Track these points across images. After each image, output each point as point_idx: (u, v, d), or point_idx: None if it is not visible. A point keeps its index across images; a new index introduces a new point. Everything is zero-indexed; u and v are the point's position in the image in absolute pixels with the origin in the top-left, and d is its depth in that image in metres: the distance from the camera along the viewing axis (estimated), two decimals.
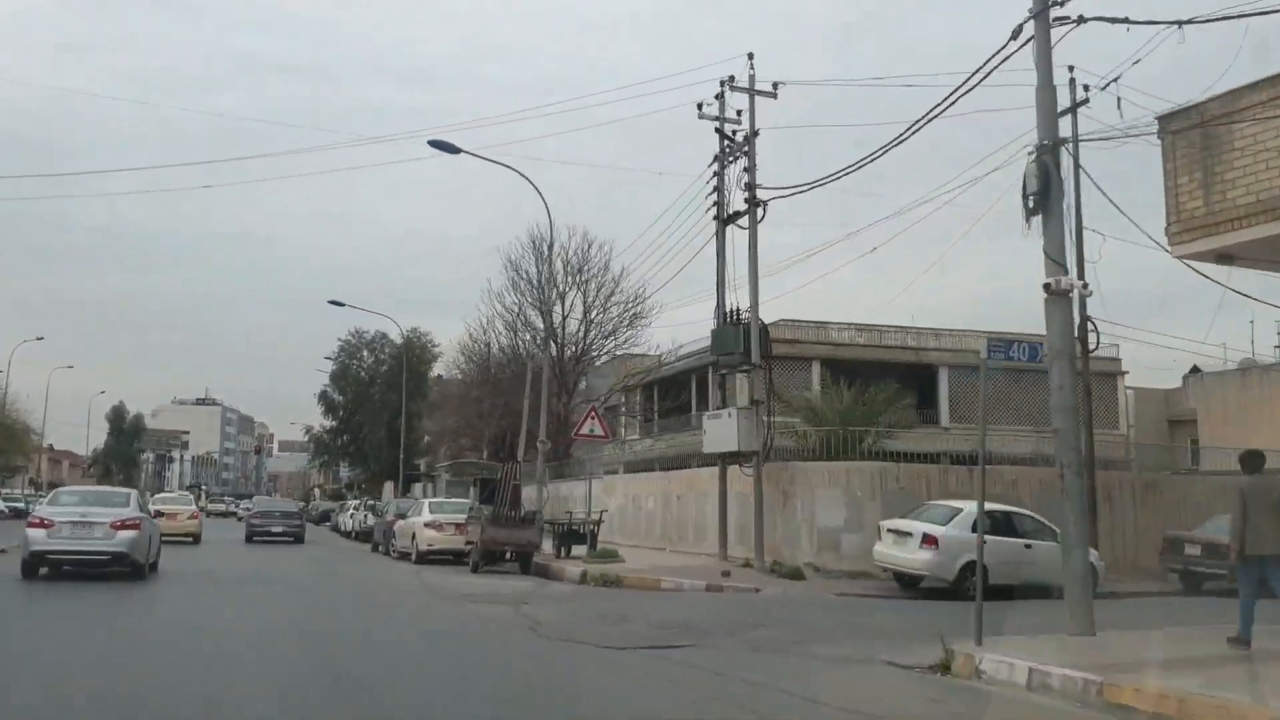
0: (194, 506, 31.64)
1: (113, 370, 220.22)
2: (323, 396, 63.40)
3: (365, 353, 62.58)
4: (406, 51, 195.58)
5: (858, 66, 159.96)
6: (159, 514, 24.87)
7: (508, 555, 20.79)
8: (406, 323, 72.08)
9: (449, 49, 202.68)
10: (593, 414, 22.26)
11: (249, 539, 34.55)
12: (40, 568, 17.63)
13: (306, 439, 64.75)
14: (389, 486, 68.00)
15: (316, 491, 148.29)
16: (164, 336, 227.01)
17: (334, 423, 64.37)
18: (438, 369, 59.01)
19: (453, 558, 23.47)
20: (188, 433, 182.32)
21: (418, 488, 58.87)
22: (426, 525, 23.95)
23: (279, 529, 34.69)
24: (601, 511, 23.70)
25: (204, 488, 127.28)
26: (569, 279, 37.68)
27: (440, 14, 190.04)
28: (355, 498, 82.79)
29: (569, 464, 38.23)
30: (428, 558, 23.96)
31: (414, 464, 60.13)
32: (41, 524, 17.49)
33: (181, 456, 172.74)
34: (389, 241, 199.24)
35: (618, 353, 38.25)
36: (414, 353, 58.14)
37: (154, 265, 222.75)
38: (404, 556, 26.30)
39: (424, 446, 59.78)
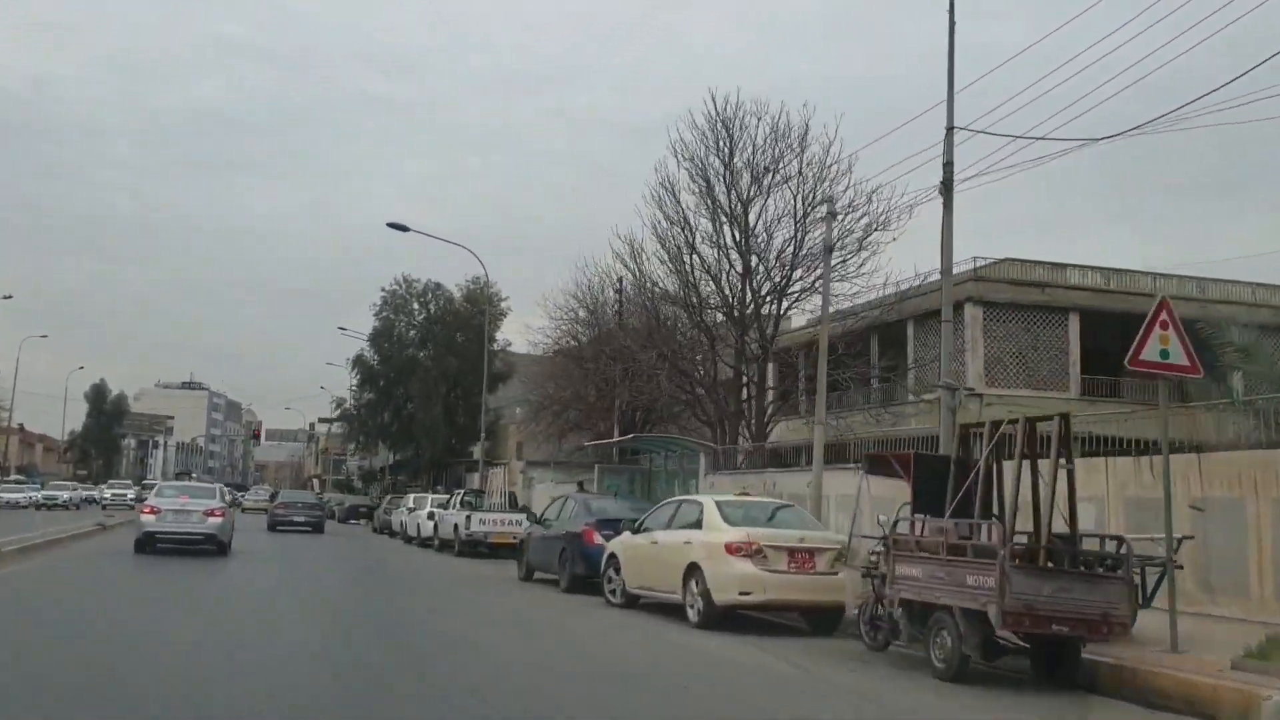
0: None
1: (93, 355, 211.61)
2: (358, 363, 50.66)
3: (415, 305, 49.91)
4: (387, 40, 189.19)
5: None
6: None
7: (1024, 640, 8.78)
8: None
9: (431, 39, 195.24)
10: (1166, 320, 9.29)
11: (271, 527, 36.58)
12: (149, 545, 21.60)
13: (335, 414, 51.25)
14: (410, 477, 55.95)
15: (316, 483, 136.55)
16: (146, 324, 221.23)
17: (371, 395, 51.40)
18: (508, 331, 47.19)
19: (760, 611, 11.82)
20: (172, 418, 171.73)
21: (475, 479, 46.60)
22: (732, 550, 11.85)
23: (301, 519, 37.29)
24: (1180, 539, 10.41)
25: (194, 476, 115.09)
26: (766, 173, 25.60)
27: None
28: (379, 488, 70.50)
29: (778, 450, 26.40)
30: (732, 615, 12.08)
31: (464, 450, 47.92)
32: (152, 511, 21.93)
33: (165, 443, 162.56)
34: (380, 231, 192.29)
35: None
36: (478, 306, 46.07)
37: (135, 253, 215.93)
38: (629, 601, 13.95)
39: (494, 427, 47.68)
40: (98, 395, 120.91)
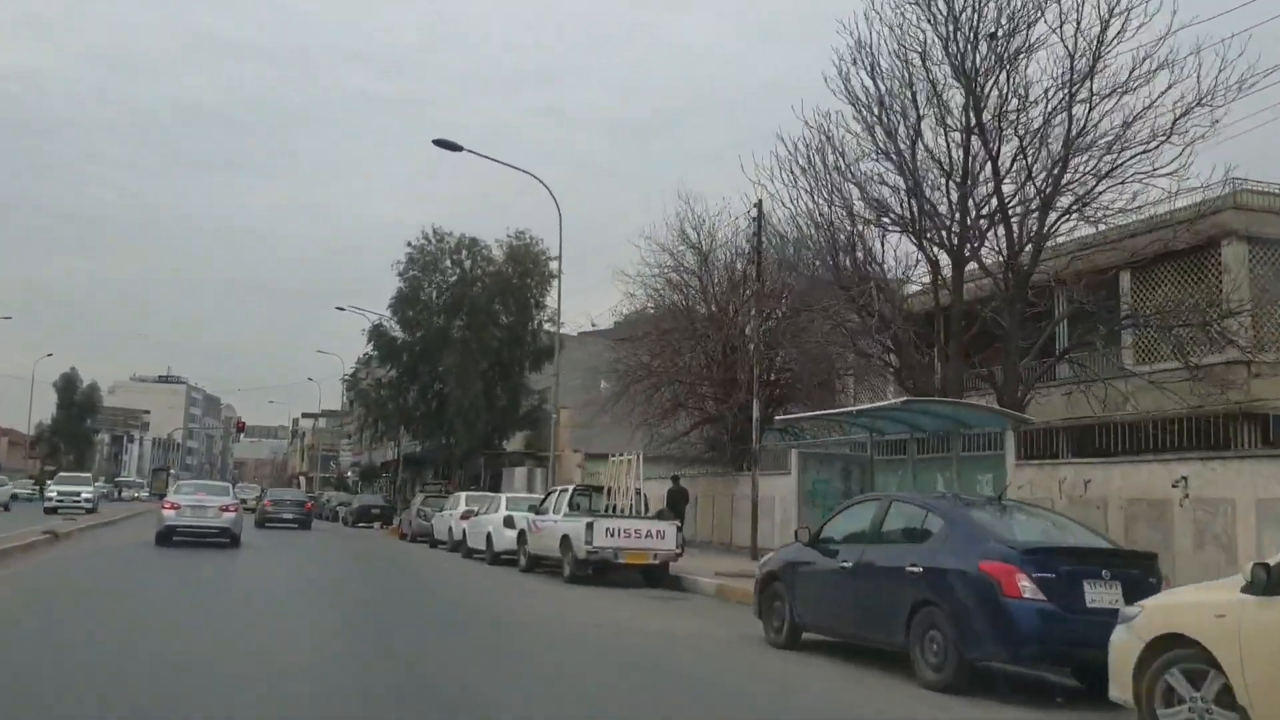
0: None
1: (67, 349, 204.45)
2: (376, 336, 40.93)
3: (448, 263, 39.95)
4: (375, 38, 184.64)
5: None
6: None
7: None
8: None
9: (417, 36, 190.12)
10: None
11: (260, 524, 36.60)
12: (170, 538, 23.33)
13: (347, 396, 41.52)
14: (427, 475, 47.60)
15: (303, 480, 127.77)
16: (124, 319, 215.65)
17: (394, 371, 41.45)
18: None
19: None
20: (148, 412, 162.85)
21: (520, 475, 38.47)
22: None
23: (289, 515, 37.83)
24: None
25: (171, 473, 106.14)
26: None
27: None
28: (383, 486, 61.87)
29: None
30: None
31: (497, 444, 39.63)
32: (173, 506, 23.86)
33: (141, 438, 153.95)
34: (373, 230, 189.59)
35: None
36: (524, 265, 37.81)
37: (116, 247, 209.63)
38: None
39: (535, 414, 39.38)
40: (68, 385, 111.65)
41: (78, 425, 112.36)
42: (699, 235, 24.61)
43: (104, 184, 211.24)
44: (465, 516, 25.90)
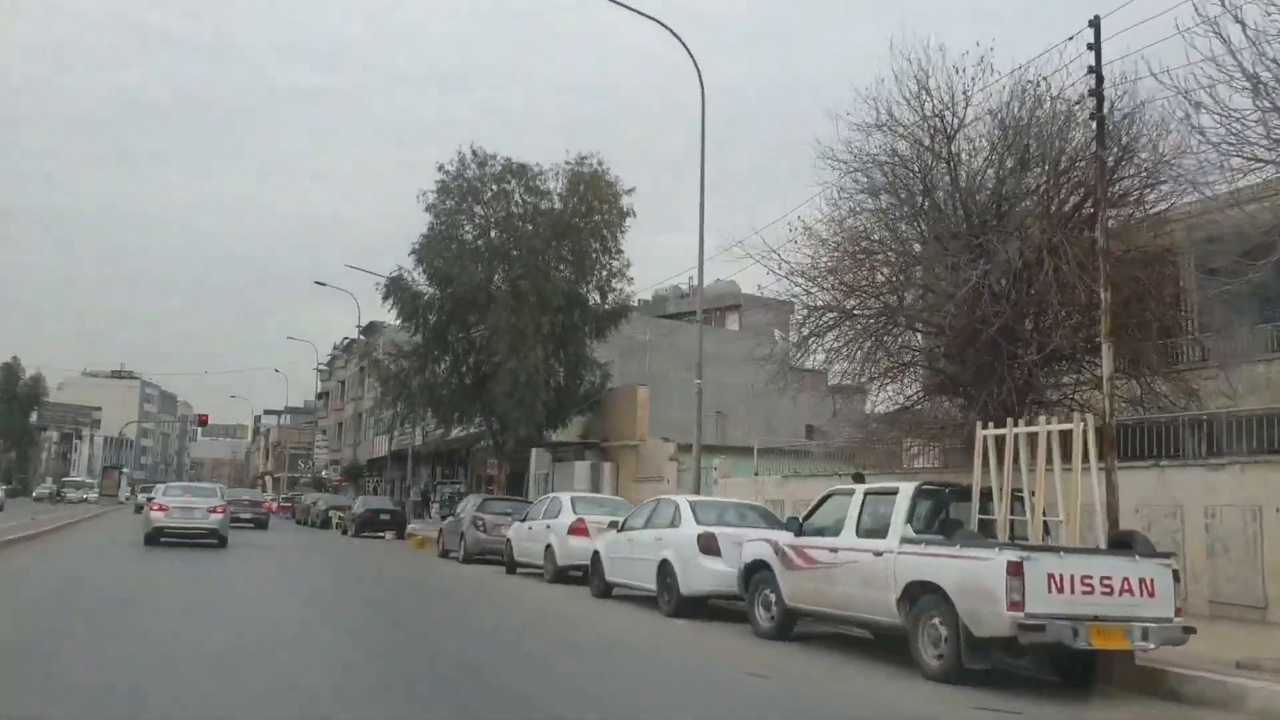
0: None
1: (5, 348, 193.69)
2: (393, 289, 30.56)
3: (490, 190, 29.64)
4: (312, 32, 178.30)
5: None
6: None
7: None
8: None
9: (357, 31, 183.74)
10: None
11: None
12: (158, 539, 23.44)
13: (361, 366, 30.91)
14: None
15: (269, 481, 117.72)
16: (69, 316, 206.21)
17: (419, 337, 31.01)
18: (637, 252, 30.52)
19: None
20: (99, 409, 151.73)
21: (581, 471, 29.94)
22: None
23: (247, 515, 36.21)
24: None
25: (125, 472, 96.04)
26: None
27: None
28: (383, 484, 52.62)
29: None
30: None
31: (544, 433, 30.84)
32: (161, 508, 23.90)
33: (92, 436, 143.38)
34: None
35: None
36: (587, 203, 28.92)
37: (53, 243, 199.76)
38: None
39: (597, 395, 30.63)
40: (8, 376, 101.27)
41: (20, 421, 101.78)
42: (948, 92, 15.68)
43: (31, 177, 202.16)
44: (579, 529, 17.17)
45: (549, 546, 18.20)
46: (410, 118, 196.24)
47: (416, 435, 36.18)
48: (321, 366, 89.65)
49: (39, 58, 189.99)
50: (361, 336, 73.25)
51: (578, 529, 17.61)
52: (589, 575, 16.22)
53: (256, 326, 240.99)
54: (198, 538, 23.43)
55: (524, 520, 19.98)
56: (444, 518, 40.62)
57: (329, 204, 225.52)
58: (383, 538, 34.57)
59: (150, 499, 28.33)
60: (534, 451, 30.66)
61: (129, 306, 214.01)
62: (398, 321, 31.08)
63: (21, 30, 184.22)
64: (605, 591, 15.68)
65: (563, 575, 17.76)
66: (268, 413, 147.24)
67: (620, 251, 29.51)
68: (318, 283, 63.59)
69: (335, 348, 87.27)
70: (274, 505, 58.84)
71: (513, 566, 19.81)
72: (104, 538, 27.83)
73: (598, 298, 30.61)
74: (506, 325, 27.76)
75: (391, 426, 31.56)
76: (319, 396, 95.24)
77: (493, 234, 29.78)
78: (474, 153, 29.65)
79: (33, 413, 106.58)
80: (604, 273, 30.09)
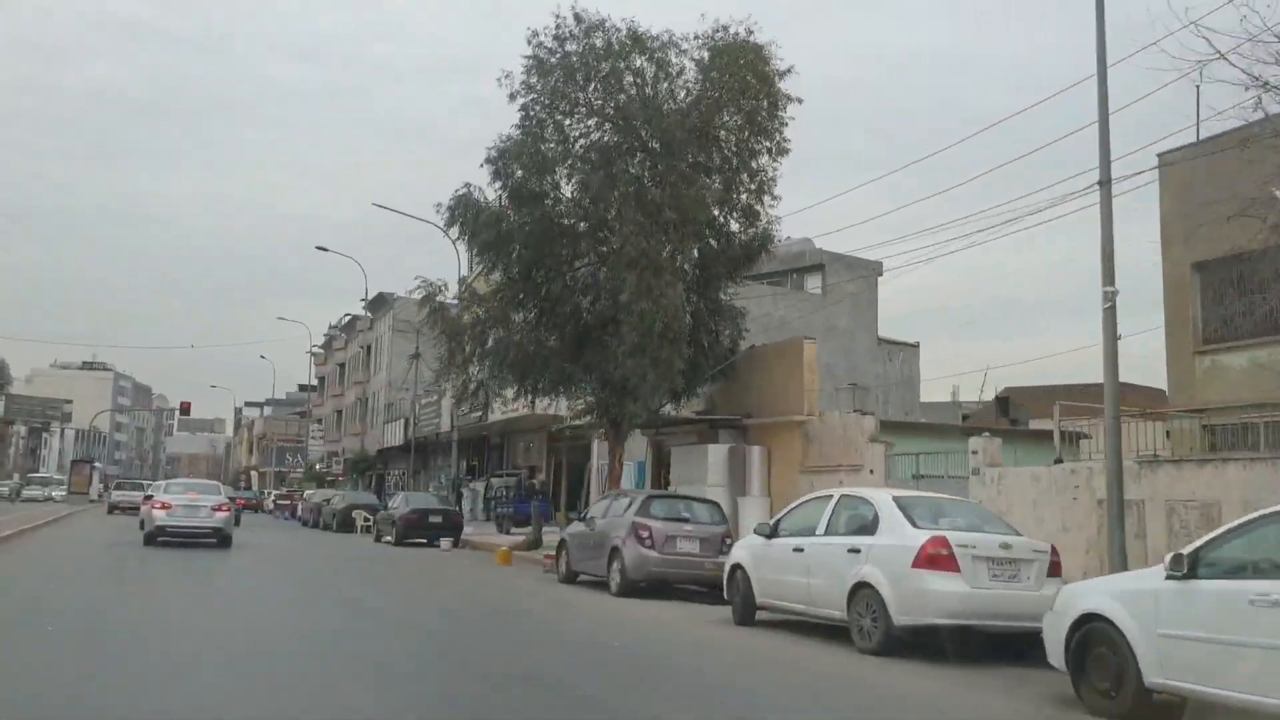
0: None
1: None
2: (460, 210, 21.61)
3: (602, 67, 20.65)
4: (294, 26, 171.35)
5: None
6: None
7: None
8: None
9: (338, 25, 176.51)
10: None
11: None
12: (159, 538, 22.04)
13: (423, 317, 22.02)
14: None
15: (253, 476, 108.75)
16: (46, 312, 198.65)
17: (499, 273, 22.47)
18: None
19: None
20: (70, 402, 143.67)
21: (716, 460, 21.84)
22: None
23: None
24: None
25: (97, 467, 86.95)
26: None
27: None
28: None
29: None
30: None
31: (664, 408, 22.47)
32: (164, 506, 22.46)
33: (62, 430, 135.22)
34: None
35: None
36: (741, 74, 20.57)
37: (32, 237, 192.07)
38: None
39: (743, 356, 22.39)
40: None
41: None
42: None
43: (13, 170, 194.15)
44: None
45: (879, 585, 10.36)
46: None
47: (494, 409, 27.00)
48: (316, 349, 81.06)
49: (26, 53, 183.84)
50: (366, 312, 64.75)
51: (936, 559, 9.72)
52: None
53: (240, 319, 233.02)
54: (200, 537, 22.25)
55: (773, 536, 11.94)
56: (497, 518, 32.17)
57: (303, 196, 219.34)
58: (437, 546, 26.38)
59: (149, 496, 27.63)
60: (649, 436, 21.88)
61: (102, 301, 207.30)
62: (473, 257, 22.43)
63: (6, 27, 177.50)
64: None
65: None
66: (249, 404, 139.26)
67: (786, 151, 21.15)
68: (319, 248, 55.68)
69: (331, 327, 78.66)
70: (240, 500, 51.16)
71: (748, 611, 12.27)
72: (52, 556, 19.85)
73: (737, 223, 22.37)
74: (634, 253, 19.49)
75: (462, 398, 22.64)
76: (310, 386, 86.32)
77: (606, 129, 21.36)
78: (576, 17, 21.23)
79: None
80: (753, 186, 21.79)
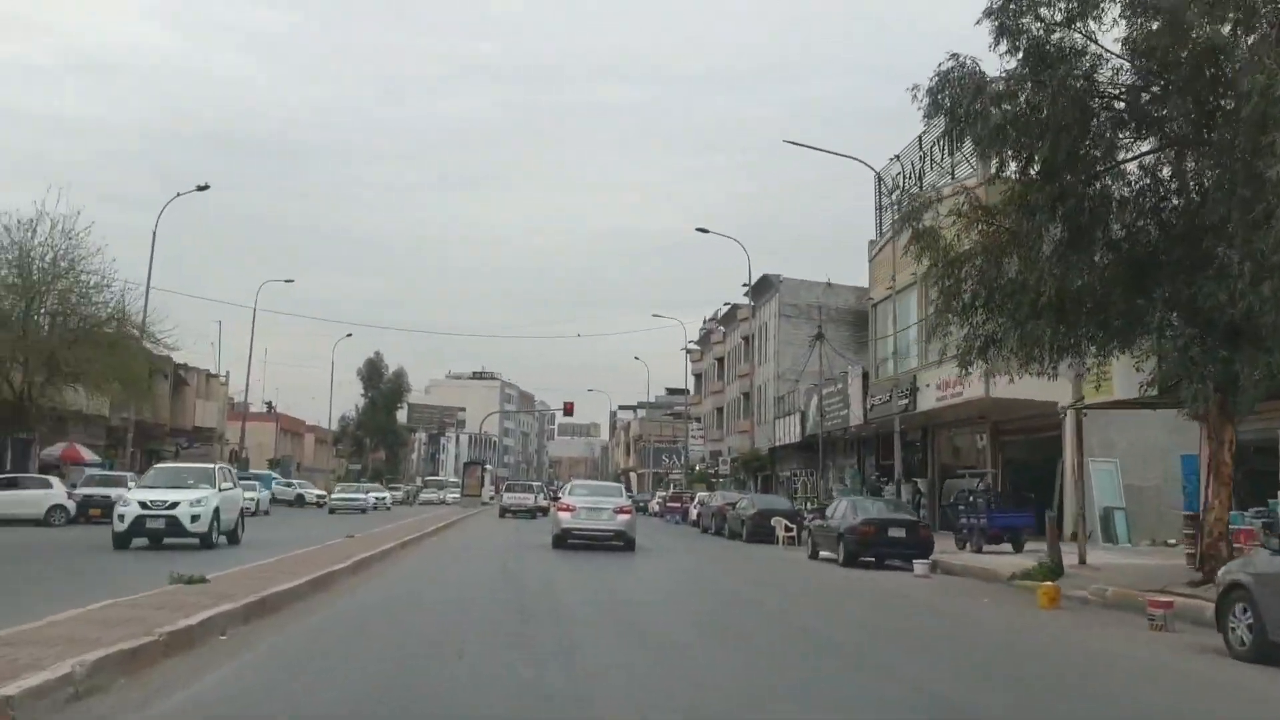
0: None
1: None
2: (945, 91, 14.11)
3: None
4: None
5: None
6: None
7: None
8: None
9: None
10: None
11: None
12: (566, 541, 22.64)
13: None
14: None
15: (631, 478, 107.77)
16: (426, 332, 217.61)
17: (1016, 170, 14.69)
18: None
19: None
20: (464, 409, 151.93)
21: None
22: None
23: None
24: None
25: (489, 468, 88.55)
26: None
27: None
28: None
29: None
30: None
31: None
32: (568, 509, 23.20)
33: (457, 436, 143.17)
34: None
35: None
36: None
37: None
38: None
39: None
40: (372, 371, 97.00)
41: (382, 418, 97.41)
42: None
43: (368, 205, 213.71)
44: None
45: None
46: None
47: (1005, 376, 19.02)
48: (692, 345, 77.39)
49: (375, 92, 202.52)
50: (748, 299, 59.56)
51: None
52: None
53: (611, 320, 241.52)
54: (603, 540, 22.52)
55: None
56: (965, 530, 24.54)
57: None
58: (895, 568, 19.60)
59: (556, 499, 27.91)
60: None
61: (466, 320, 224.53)
62: (970, 157, 15.57)
63: (357, 71, 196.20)
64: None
65: None
66: (623, 408, 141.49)
67: None
68: (699, 229, 50.99)
69: (708, 320, 74.50)
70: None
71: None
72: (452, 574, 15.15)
73: None
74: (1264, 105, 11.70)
75: (965, 358, 15.58)
76: (680, 390, 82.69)
77: None
78: None
79: (399, 409, 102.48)
80: None
